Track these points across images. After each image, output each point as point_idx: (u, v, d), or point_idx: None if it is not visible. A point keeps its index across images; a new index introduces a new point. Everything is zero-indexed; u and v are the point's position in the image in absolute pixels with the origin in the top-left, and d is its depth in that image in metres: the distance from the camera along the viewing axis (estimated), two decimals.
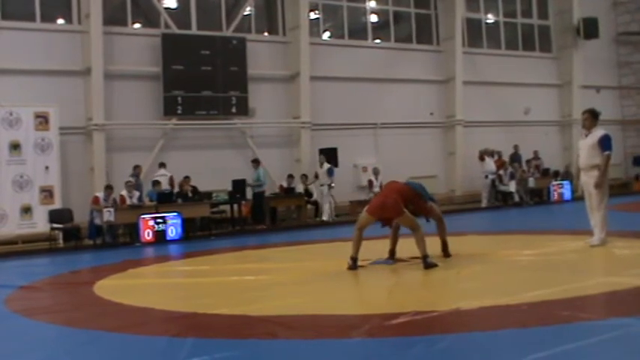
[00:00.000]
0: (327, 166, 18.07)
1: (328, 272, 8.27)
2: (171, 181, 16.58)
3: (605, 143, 9.05)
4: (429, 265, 8.01)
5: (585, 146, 9.23)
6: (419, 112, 21.84)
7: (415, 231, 8.25)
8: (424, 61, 22.27)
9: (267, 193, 18.01)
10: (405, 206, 8.33)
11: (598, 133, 9.18)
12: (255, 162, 17.54)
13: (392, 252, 8.97)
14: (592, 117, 9.29)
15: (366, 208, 8.66)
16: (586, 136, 9.28)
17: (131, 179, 15.78)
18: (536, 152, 22.75)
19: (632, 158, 26.31)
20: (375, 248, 10.34)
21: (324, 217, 17.96)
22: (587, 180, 9.25)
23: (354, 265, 8.32)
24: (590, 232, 9.44)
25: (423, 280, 7.66)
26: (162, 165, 16.97)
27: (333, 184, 18.02)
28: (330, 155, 18.51)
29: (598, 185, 9.02)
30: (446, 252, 8.96)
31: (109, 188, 15.12)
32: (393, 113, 21.10)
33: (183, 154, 17.65)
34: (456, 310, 5.70)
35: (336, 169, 18.47)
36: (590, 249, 9.02)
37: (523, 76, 23.78)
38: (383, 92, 21.07)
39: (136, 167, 16.45)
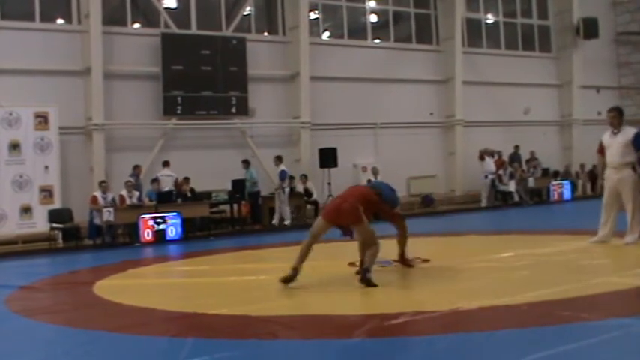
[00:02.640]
0: (281, 168, 17.56)
1: (328, 272, 8.26)
2: (176, 183, 16.53)
3: (638, 142, 9.03)
4: (366, 280, 7.05)
5: (616, 144, 9.18)
6: (419, 112, 21.83)
7: (371, 246, 7.34)
8: (424, 61, 22.27)
9: (266, 194, 18.02)
10: (367, 211, 7.47)
11: (630, 131, 9.16)
12: (245, 162, 17.54)
13: (362, 263, 7.87)
14: (619, 115, 9.28)
15: (321, 213, 7.90)
16: (614, 134, 9.22)
17: (131, 179, 15.78)
18: (532, 152, 22.72)
19: None
20: None
21: (274, 222, 17.22)
22: (617, 177, 9.17)
23: (292, 277, 7.30)
24: (593, 232, 9.42)
25: (423, 280, 7.65)
26: (165, 164, 16.86)
27: (286, 188, 17.27)
28: (328, 155, 18.49)
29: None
30: (404, 261, 8.24)
31: (103, 184, 15.13)
32: (392, 113, 21.10)
33: (183, 154, 17.63)
34: (456, 310, 5.70)
35: (337, 169, 18.45)
36: (590, 249, 9.03)
37: (523, 76, 23.78)
38: (383, 92, 21.07)
39: (136, 167, 16.45)
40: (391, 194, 8.10)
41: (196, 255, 11.88)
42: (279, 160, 17.74)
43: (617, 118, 9.26)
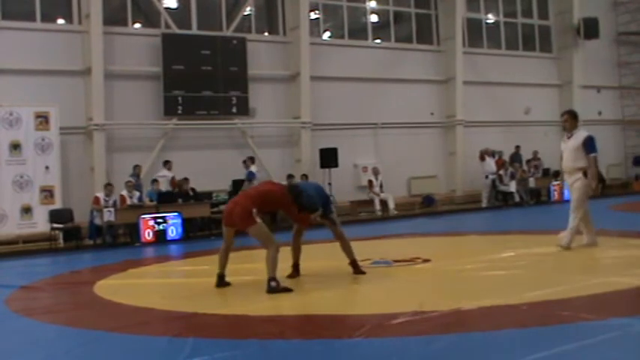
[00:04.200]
0: (250, 169, 17.19)
1: (328, 272, 8.27)
2: (172, 183, 16.48)
3: (589, 145, 8.86)
4: (272, 289, 6.92)
5: (569, 149, 9.03)
6: (419, 112, 21.83)
7: (267, 248, 7.19)
8: (424, 61, 22.28)
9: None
10: (266, 211, 7.36)
11: (581, 134, 8.99)
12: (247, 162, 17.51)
13: (295, 266, 8.07)
14: (572, 118, 9.12)
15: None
16: (568, 138, 9.08)
17: (131, 179, 15.77)
18: (535, 152, 22.73)
19: (632, 158, 26.31)
20: (376, 249, 10.34)
21: None
22: (571, 182, 9.07)
23: (220, 282, 7.60)
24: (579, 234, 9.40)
25: (423, 280, 7.65)
26: (166, 163, 16.81)
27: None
28: (329, 155, 18.49)
29: (591, 189, 8.88)
30: (356, 269, 7.96)
31: (109, 186, 15.12)
32: (393, 113, 21.10)
33: (183, 154, 17.63)
34: (456, 310, 5.70)
35: (337, 169, 18.45)
36: (589, 249, 9.01)
37: (523, 76, 23.78)
38: (383, 92, 21.07)
39: (136, 167, 16.44)
40: (309, 199, 7.54)
41: (197, 255, 11.89)
42: (251, 160, 17.45)
43: (569, 121, 9.09)
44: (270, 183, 8.22)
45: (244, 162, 17.54)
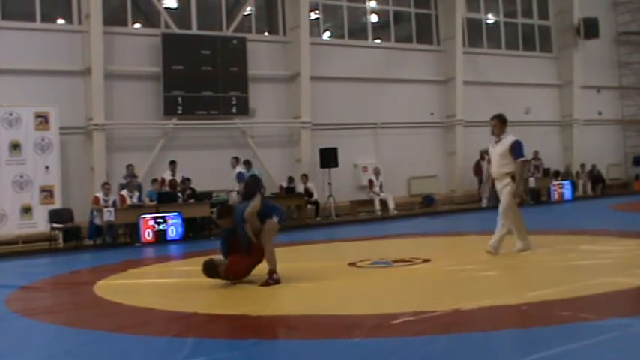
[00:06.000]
0: (237, 169, 16.94)
1: (328, 272, 8.26)
2: (162, 183, 16.26)
3: (516, 150, 8.73)
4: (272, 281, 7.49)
5: (495, 154, 8.90)
6: (419, 112, 21.84)
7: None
8: (424, 61, 22.28)
9: (268, 194, 18.02)
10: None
11: (508, 139, 8.84)
12: (247, 163, 17.44)
13: None
14: (500, 123, 8.94)
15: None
16: (496, 143, 8.92)
17: (124, 180, 15.73)
18: (536, 153, 22.72)
19: (632, 158, 26.33)
20: (376, 249, 10.34)
21: None
22: (500, 189, 8.95)
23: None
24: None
25: (423, 280, 7.65)
26: (171, 163, 16.60)
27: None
28: (329, 155, 18.48)
29: (517, 195, 8.74)
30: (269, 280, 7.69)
31: (106, 185, 15.10)
32: (393, 113, 21.10)
33: (183, 154, 17.61)
34: (456, 310, 5.69)
35: (337, 169, 18.45)
36: (590, 249, 9.01)
37: (523, 76, 23.78)
38: (383, 92, 21.07)
39: (129, 166, 16.20)
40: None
41: (197, 255, 11.85)
42: (236, 161, 17.21)
43: (497, 126, 8.91)
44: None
45: (245, 163, 17.40)
